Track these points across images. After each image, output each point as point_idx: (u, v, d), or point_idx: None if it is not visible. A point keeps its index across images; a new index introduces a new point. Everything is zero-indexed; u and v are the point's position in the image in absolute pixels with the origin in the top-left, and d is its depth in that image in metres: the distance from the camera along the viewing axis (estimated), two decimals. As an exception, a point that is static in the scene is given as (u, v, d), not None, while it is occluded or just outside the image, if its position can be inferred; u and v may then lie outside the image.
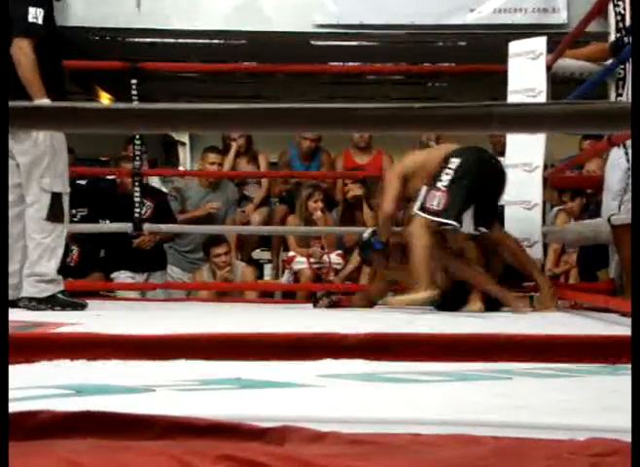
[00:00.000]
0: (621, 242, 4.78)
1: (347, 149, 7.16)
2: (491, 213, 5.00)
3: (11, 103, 1.42)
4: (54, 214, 4.22)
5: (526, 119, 1.54)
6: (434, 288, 4.65)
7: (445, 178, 4.73)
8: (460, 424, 1.51)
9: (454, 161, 4.77)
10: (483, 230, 4.93)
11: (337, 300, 5.26)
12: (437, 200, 4.69)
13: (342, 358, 1.54)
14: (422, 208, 4.73)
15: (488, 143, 7.04)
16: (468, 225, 4.84)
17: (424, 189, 4.78)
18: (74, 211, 6.40)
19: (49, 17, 4.19)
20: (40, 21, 4.10)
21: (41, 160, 4.16)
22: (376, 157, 7.08)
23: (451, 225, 4.73)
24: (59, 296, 4.22)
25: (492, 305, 4.91)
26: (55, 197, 4.22)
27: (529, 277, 5.20)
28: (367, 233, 5.31)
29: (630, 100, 4.43)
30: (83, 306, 4.27)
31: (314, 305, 5.23)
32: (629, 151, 4.56)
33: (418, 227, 4.73)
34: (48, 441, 1.26)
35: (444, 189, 4.70)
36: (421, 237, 4.71)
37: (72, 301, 4.27)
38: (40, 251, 4.17)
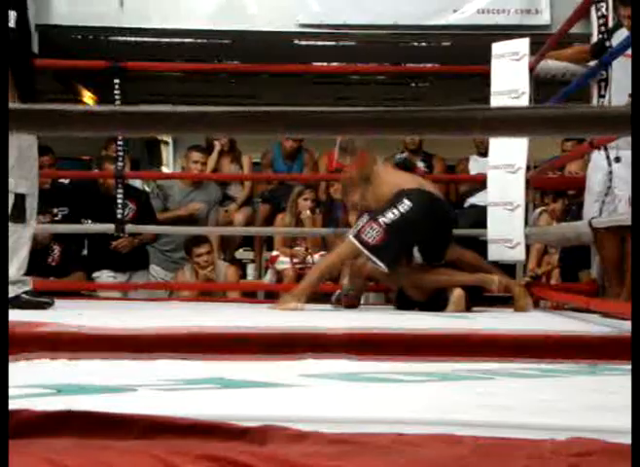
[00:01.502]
0: (602, 244, 4.80)
1: (330, 150, 7.16)
2: (441, 250, 5.03)
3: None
4: (16, 215, 4.18)
5: (510, 123, 1.54)
6: (302, 303, 4.78)
7: (390, 217, 4.74)
8: (442, 424, 1.51)
9: (405, 204, 4.77)
10: (435, 263, 4.99)
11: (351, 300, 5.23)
12: (373, 234, 4.73)
13: (325, 355, 1.54)
14: (357, 236, 4.77)
15: (472, 142, 7.07)
16: (417, 258, 4.94)
17: (366, 217, 4.81)
18: (55, 210, 6.38)
19: (22, 19, 4.16)
20: (12, 24, 4.07)
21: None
22: (360, 158, 7.08)
23: (377, 264, 4.77)
24: (23, 296, 4.19)
25: (474, 294, 4.96)
26: (19, 199, 4.19)
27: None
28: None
29: (613, 102, 4.46)
30: (49, 305, 4.24)
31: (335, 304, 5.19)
32: (610, 153, 4.59)
33: (346, 248, 4.82)
34: (28, 440, 1.25)
35: (384, 225, 4.72)
36: (339, 257, 4.86)
37: (37, 300, 4.24)
38: None
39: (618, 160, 4.51)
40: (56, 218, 6.37)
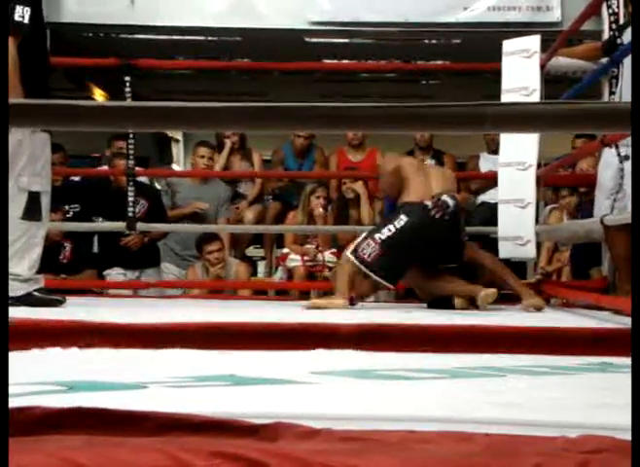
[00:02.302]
0: (613, 242, 4.79)
1: (341, 147, 7.15)
2: (451, 257, 5.02)
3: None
4: (30, 213, 4.18)
5: (519, 119, 1.54)
6: (346, 298, 4.73)
7: (385, 233, 4.76)
8: (453, 421, 1.51)
9: (402, 219, 4.78)
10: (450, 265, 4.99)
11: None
12: (369, 250, 4.75)
13: (336, 348, 1.54)
14: (354, 252, 4.78)
15: (482, 140, 7.07)
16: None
17: (363, 235, 4.84)
18: (67, 208, 6.40)
19: (36, 15, 4.17)
20: (26, 20, 4.07)
21: (19, 158, 4.11)
22: (370, 154, 7.08)
23: (379, 281, 4.77)
24: (35, 294, 4.20)
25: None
26: (33, 197, 4.19)
27: (508, 288, 5.18)
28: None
29: (623, 99, 4.45)
30: (60, 302, 4.25)
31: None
32: (621, 151, 4.57)
33: (345, 266, 4.81)
34: (40, 437, 1.26)
35: (379, 241, 4.73)
36: (344, 274, 4.80)
37: (49, 298, 4.25)
38: (12, 251, 4.12)
39: (627, 158, 4.50)
40: (68, 215, 6.39)
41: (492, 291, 4.80)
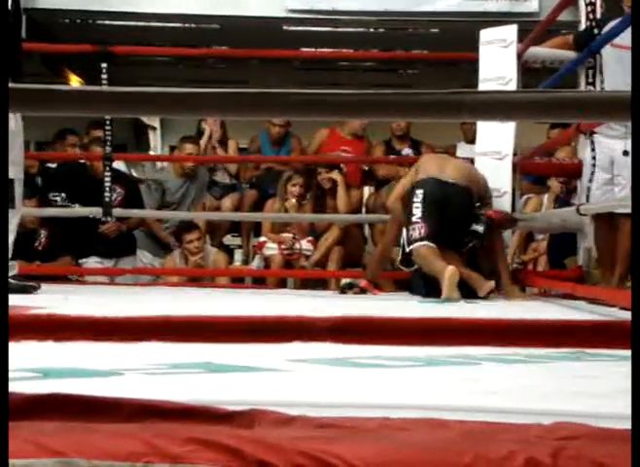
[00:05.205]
0: (596, 230, 4.84)
1: (331, 125, 7.01)
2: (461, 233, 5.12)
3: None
4: None
5: (496, 107, 1.55)
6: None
7: (417, 212, 4.99)
8: (428, 409, 1.51)
9: (418, 193, 5.04)
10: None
11: (364, 287, 5.32)
12: (417, 232, 4.97)
13: (312, 342, 1.54)
14: (409, 243, 4.99)
15: (459, 129, 7.09)
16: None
17: (404, 231, 5.08)
18: (51, 196, 6.37)
19: (15, 2, 4.13)
20: (9, 7, 4.05)
21: None
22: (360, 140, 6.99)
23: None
24: (10, 280, 4.18)
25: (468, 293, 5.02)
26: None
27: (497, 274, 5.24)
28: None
29: (599, 89, 4.47)
30: (35, 289, 4.24)
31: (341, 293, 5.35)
32: (595, 139, 4.60)
33: (419, 255, 4.96)
34: (15, 423, 1.25)
35: (418, 221, 4.96)
36: (427, 259, 4.93)
37: (22, 284, 4.24)
38: None
39: (626, 153, 4.50)
40: (55, 203, 6.35)
41: (491, 283, 4.96)
